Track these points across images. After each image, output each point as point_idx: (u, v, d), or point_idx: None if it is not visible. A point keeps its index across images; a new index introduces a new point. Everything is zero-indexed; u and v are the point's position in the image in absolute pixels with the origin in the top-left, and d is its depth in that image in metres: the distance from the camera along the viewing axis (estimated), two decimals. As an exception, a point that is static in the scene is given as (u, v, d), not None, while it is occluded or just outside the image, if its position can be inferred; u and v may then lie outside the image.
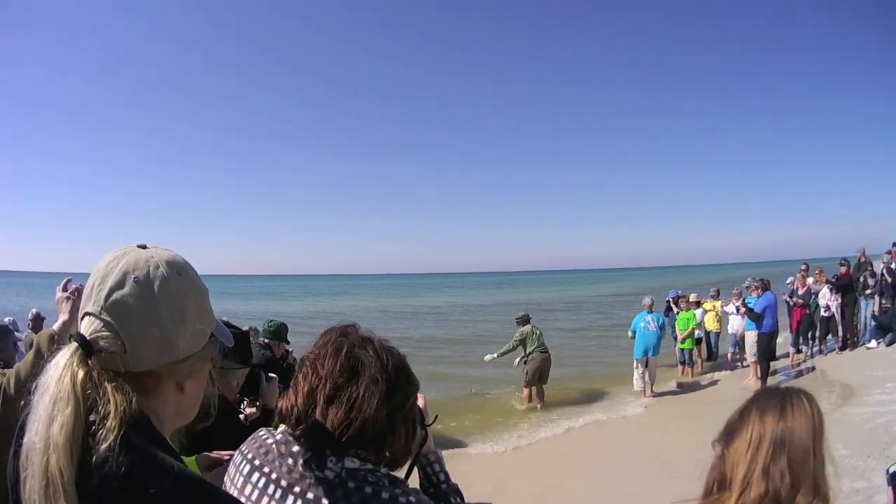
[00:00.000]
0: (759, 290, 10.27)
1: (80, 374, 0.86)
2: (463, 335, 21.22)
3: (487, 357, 10.52)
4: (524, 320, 10.47)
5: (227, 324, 3.37)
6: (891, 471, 1.69)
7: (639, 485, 5.91)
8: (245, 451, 1.17)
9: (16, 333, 7.91)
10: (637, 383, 10.32)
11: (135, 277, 0.92)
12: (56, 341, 1.99)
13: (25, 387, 1.75)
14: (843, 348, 11.55)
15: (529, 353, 9.97)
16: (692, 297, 12.56)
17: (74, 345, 0.89)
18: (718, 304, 12.65)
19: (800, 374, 10.64)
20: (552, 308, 31.94)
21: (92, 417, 0.84)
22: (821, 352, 11.85)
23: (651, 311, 10.59)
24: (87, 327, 0.92)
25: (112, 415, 0.84)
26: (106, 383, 0.88)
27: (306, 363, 1.16)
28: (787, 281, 12.38)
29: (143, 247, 0.99)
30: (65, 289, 2.27)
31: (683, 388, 10.86)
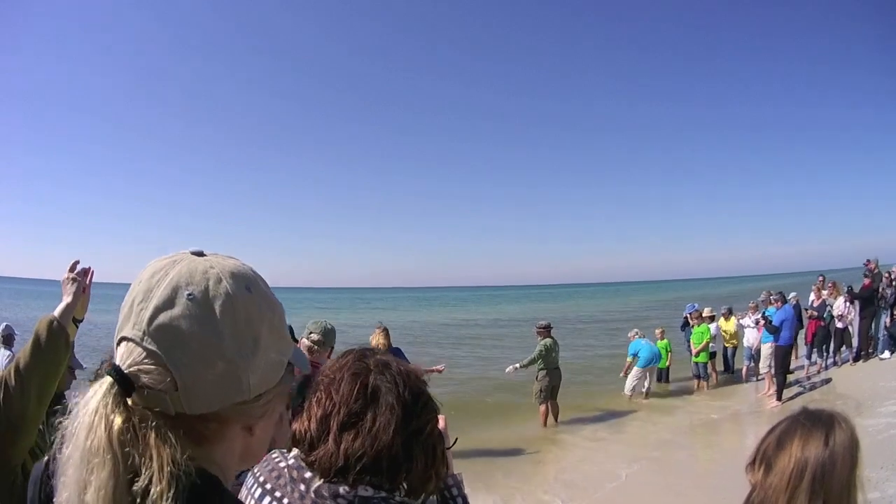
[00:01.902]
0: (780, 303, 10.37)
1: (118, 421, 0.67)
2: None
3: (510, 368, 10.03)
4: (546, 331, 10.03)
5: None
6: None
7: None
8: (257, 474, 1.11)
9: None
10: (628, 388, 11.17)
11: (189, 294, 0.71)
12: (55, 328, 1.93)
13: (24, 378, 1.82)
14: (856, 359, 11.58)
15: (545, 368, 9.69)
16: (706, 312, 12.64)
17: (108, 381, 0.69)
18: (732, 321, 12.74)
19: (814, 386, 10.71)
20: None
21: (135, 480, 0.66)
22: (835, 363, 11.87)
23: (643, 338, 11.68)
24: (125, 357, 0.71)
25: (160, 475, 0.66)
26: (151, 432, 0.68)
27: (321, 386, 1.12)
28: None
29: (200, 253, 0.78)
30: (72, 269, 2.12)
31: (697, 402, 10.99)
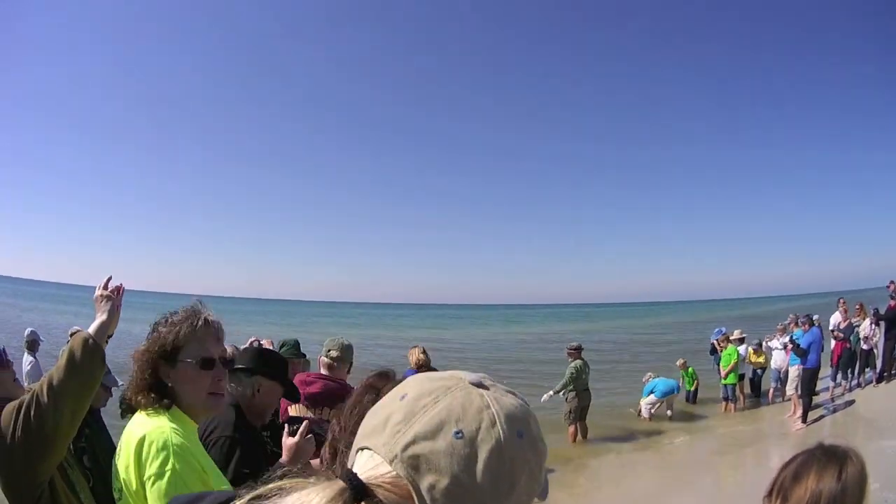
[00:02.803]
0: (807, 325, 10.45)
1: None
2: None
3: (545, 397, 10.01)
4: (577, 353, 10.22)
5: (265, 349, 3.54)
6: None
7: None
8: None
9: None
10: (645, 411, 11.54)
11: (457, 432, 0.66)
12: (90, 346, 1.94)
13: (58, 396, 1.83)
14: (879, 381, 11.66)
15: (575, 390, 9.83)
16: (735, 335, 12.77)
17: (340, 485, 0.65)
18: (763, 355, 12.84)
19: (837, 408, 10.81)
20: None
21: None
22: (859, 385, 11.96)
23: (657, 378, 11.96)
24: (366, 467, 0.68)
25: None
26: None
27: (339, 412, 1.14)
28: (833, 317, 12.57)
29: (480, 385, 0.72)
30: (105, 287, 2.13)
31: (725, 423, 11.14)
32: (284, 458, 2.31)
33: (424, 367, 7.41)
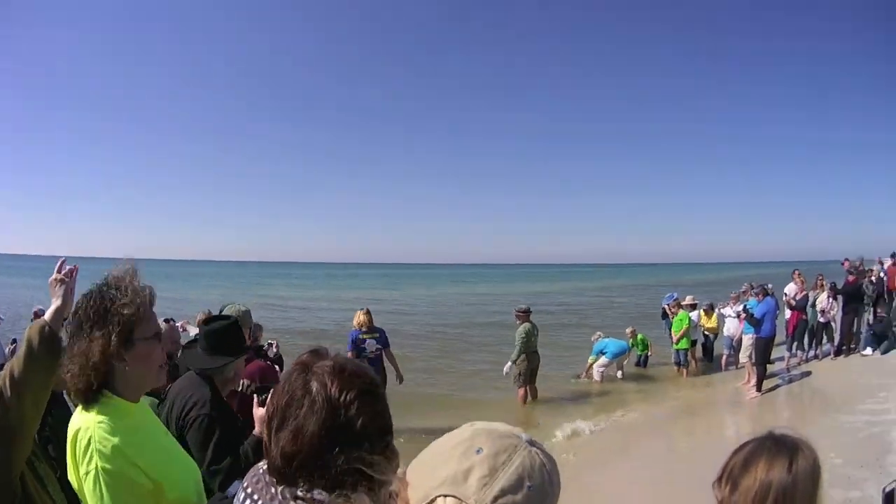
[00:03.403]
0: (761, 295, 10.36)
1: None
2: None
3: (506, 369, 9.95)
4: (526, 316, 9.98)
5: (214, 316, 3.33)
6: (887, 490, 1.65)
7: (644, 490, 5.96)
8: (245, 485, 1.16)
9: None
10: (596, 374, 11.51)
11: (530, 486, 0.83)
12: (47, 333, 1.89)
13: (20, 387, 1.79)
14: (837, 354, 11.76)
15: (525, 352, 9.69)
16: (687, 300, 12.75)
17: None
18: (714, 317, 12.85)
19: (793, 379, 10.84)
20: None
21: None
22: (816, 357, 12.02)
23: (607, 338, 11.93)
24: None
25: None
26: None
27: (272, 392, 1.14)
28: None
29: (533, 444, 0.89)
30: (59, 270, 2.07)
31: (677, 388, 11.07)
32: (257, 429, 2.37)
33: (366, 327, 7.88)
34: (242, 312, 6.32)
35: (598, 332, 12.30)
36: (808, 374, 10.90)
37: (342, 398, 1.04)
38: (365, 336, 7.80)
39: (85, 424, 1.66)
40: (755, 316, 9.99)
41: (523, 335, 9.69)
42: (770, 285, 11.12)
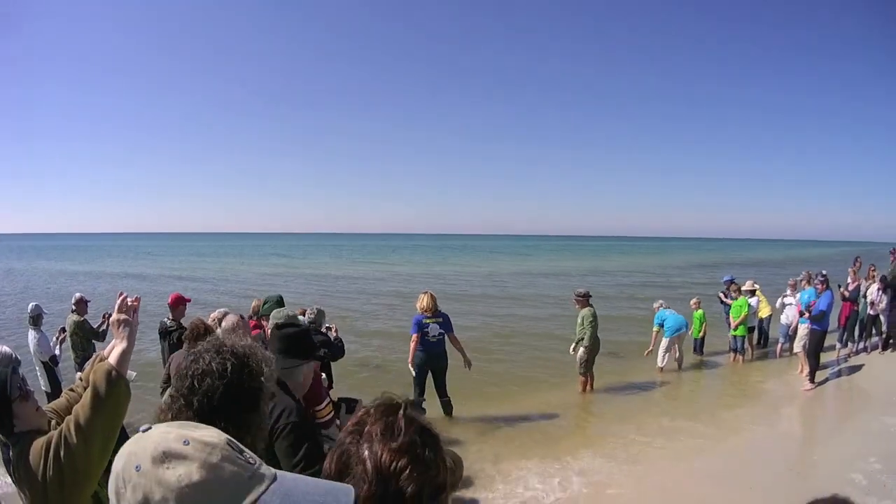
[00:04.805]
0: (823, 286, 10.18)
1: None
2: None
3: (572, 350, 9.94)
4: (586, 300, 9.78)
5: (288, 322, 3.58)
6: None
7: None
8: None
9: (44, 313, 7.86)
10: (661, 360, 11.39)
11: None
12: (114, 378, 1.86)
13: (87, 434, 1.75)
14: (885, 348, 11.83)
15: (586, 339, 9.56)
16: (747, 285, 12.61)
17: None
18: (767, 306, 12.87)
19: (841, 373, 10.92)
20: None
21: None
22: (865, 349, 12.14)
23: (667, 308, 11.73)
24: None
25: None
26: None
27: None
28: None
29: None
30: (121, 309, 2.00)
31: (732, 376, 11.29)
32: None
33: (431, 312, 7.97)
34: (317, 311, 6.92)
35: (660, 301, 12.16)
36: (856, 368, 10.96)
37: (392, 467, 1.01)
38: (429, 321, 7.91)
39: None
40: (823, 310, 9.87)
41: (591, 318, 9.54)
42: (825, 272, 11.08)
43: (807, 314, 10.16)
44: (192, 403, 1.56)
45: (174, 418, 1.54)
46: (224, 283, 30.11)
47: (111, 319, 2.00)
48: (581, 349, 9.65)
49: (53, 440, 1.78)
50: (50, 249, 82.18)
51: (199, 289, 26.27)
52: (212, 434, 0.85)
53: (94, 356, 2.12)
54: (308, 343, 2.90)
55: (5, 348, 1.88)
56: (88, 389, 1.86)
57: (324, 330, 6.70)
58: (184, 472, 0.77)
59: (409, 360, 7.99)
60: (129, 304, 2.03)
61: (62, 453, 1.75)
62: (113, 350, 1.96)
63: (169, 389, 1.66)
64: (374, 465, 1.01)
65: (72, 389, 2.17)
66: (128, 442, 0.84)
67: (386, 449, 1.02)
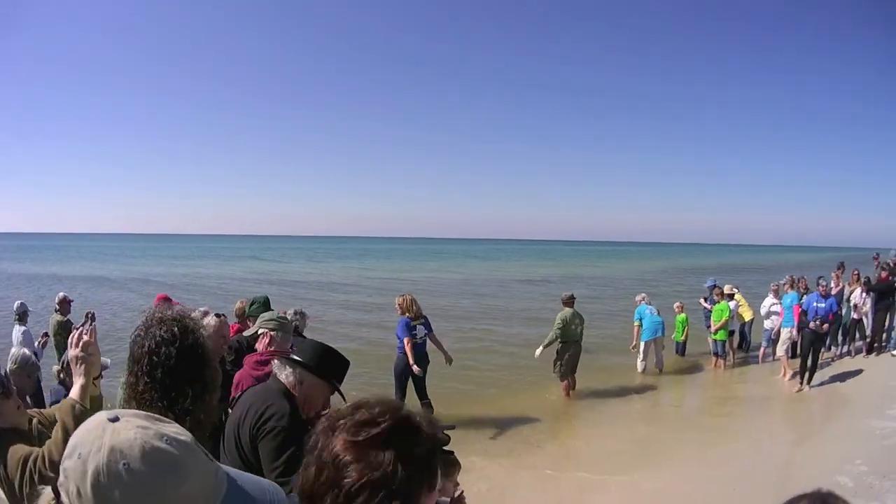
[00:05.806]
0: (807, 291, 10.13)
1: None
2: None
3: (537, 352, 9.95)
4: (569, 302, 9.83)
5: (332, 351, 3.10)
6: None
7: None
8: None
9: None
10: (640, 365, 11.44)
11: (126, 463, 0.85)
12: (77, 412, 1.91)
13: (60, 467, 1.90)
14: (869, 352, 11.78)
15: (566, 341, 9.60)
16: (727, 289, 12.56)
17: None
18: (749, 310, 12.89)
19: (829, 375, 10.85)
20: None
21: None
22: (848, 353, 12.11)
23: (649, 304, 11.80)
24: None
25: None
26: None
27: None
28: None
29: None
30: (76, 345, 2.02)
31: (713, 380, 11.25)
32: None
33: (414, 315, 8.04)
34: (301, 314, 6.60)
35: (643, 294, 12.23)
36: (841, 372, 10.92)
37: (337, 459, 0.99)
38: (415, 323, 8.03)
39: None
40: (820, 315, 9.88)
41: (559, 322, 9.60)
42: (805, 277, 11.05)
43: (803, 316, 10.15)
44: (156, 376, 1.69)
45: (140, 398, 1.69)
46: (191, 288, 28.01)
47: (69, 356, 2.04)
48: (540, 348, 9.81)
49: (29, 465, 1.89)
50: (13, 249, 74.15)
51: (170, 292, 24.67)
52: (180, 430, 0.91)
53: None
54: (340, 368, 2.70)
55: None
56: (57, 425, 1.94)
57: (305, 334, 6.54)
58: (178, 479, 0.86)
59: (411, 361, 7.83)
60: (85, 340, 2.04)
61: (36, 479, 1.86)
62: (73, 386, 2.03)
63: (128, 376, 1.77)
64: (328, 452, 1.00)
65: (42, 413, 2.29)
66: (95, 428, 0.88)
67: (341, 440, 1.01)
